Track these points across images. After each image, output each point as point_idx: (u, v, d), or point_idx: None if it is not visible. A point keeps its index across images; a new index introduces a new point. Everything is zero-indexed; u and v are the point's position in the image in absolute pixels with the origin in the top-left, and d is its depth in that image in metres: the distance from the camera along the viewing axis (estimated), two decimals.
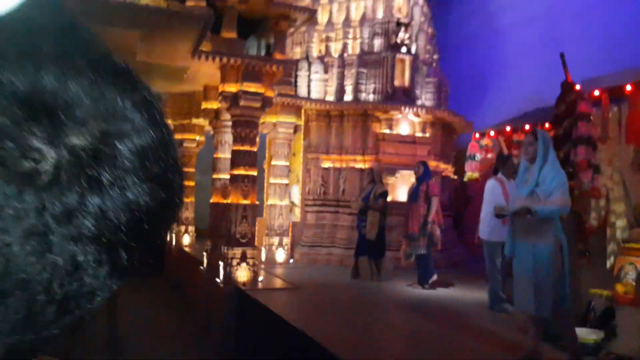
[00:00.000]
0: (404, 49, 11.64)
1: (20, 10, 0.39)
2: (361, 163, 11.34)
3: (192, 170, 13.62)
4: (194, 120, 12.44)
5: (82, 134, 0.37)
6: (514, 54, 15.84)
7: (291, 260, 11.11)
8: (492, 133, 9.61)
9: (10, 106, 0.35)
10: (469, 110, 13.23)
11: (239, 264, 7.91)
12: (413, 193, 8.34)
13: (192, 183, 13.66)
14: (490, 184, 7.08)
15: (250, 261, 8.00)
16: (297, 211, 11.76)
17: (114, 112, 0.39)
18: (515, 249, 4.63)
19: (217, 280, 8.27)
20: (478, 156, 9.59)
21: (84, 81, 0.38)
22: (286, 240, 10.96)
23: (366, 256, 8.77)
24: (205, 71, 8.79)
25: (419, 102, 11.76)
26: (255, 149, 8.31)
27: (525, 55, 15.18)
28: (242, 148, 8.17)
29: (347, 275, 9.09)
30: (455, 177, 12.75)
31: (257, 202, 8.30)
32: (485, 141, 9.55)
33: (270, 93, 8.34)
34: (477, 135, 9.98)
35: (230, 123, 9.48)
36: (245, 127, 8.18)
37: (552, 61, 10.00)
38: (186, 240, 13.46)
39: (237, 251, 7.94)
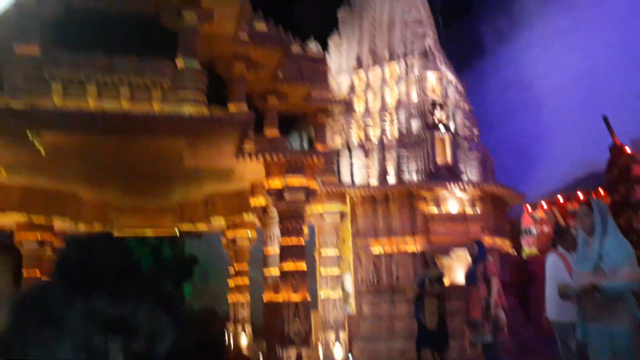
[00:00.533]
0: (442, 128, 11.70)
1: (102, 253, 0.68)
2: (412, 245, 11.07)
3: (245, 267, 13.58)
4: (245, 217, 12.61)
5: (139, 341, 0.62)
6: (556, 120, 15.64)
7: (350, 357, 10.62)
8: (544, 204, 9.26)
9: (102, 325, 0.61)
10: (518, 182, 12.91)
11: None
12: (470, 275, 7.95)
13: (246, 281, 13.54)
14: (551, 259, 6.67)
15: None
16: (352, 301, 11.42)
17: (157, 325, 0.64)
18: (588, 332, 4.23)
19: None
20: (533, 230, 9.19)
21: (143, 309, 0.64)
22: (343, 334, 10.56)
23: (429, 348, 8.25)
24: (251, 169, 9.06)
25: (464, 178, 11.60)
26: (302, 242, 8.28)
27: (569, 120, 14.95)
28: (290, 241, 8.17)
29: None
30: (514, 252, 12.19)
31: (308, 298, 8.13)
32: (539, 214, 9.19)
33: (313, 184, 8.45)
34: (529, 208, 9.63)
35: (277, 217, 9.58)
36: (292, 220, 8.23)
37: (596, 123, 9.80)
38: (243, 340, 13.13)
39: (292, 352, 7.68)
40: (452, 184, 11.06)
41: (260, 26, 9.21)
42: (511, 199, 12.31)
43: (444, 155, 11.61)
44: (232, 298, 14.22)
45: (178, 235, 15.19)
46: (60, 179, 9.42)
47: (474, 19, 21.21)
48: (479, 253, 8.07)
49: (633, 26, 13.32)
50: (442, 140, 11.65)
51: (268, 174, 8.34)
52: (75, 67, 6.95)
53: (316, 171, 8.75)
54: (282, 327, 7.87)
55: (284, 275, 8.07)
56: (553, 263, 6.59)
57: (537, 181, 13.12)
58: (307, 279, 8.18)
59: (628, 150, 6.58)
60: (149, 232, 14.74)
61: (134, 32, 8.12)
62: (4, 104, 6.46)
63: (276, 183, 8.26)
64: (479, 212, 11.31)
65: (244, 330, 13.10)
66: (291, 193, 8.13)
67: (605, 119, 6.81)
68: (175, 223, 14.38)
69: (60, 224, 10.68)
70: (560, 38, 16.13)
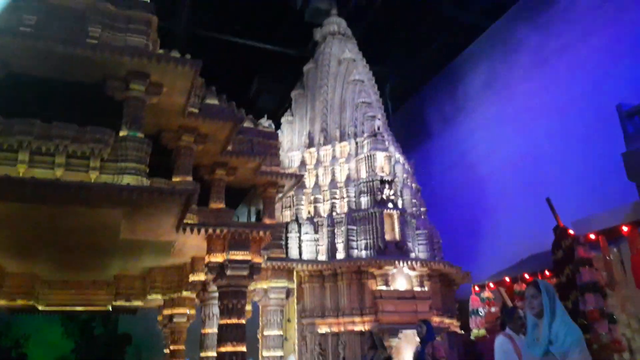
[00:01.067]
0: (390, 205, 11.74)
1: None
2: (360, 325, 10.68)
3: (181, 347, 12.71)
4: (184, 294, 11.94)
5: None
6: (501, 201, 16.06)
7: None
8: (491, 284, 9.23)
9: None
10: (465, 260, 12.94)
11: None
12: (419, 357, 7.63)
13: None
14: (500, 342, 6.46)
15: None
16: None
17: None
18: None
19: None
20: (481, 311, 9.07)
21: None
22: None
23: None
24: (192, 243, 8.63)
25: (412, 255, 11.52)
26: (243, 322, 7.79)
27: (513, 201, 15.37)
28: (229, 321, 7.65)
29: None
30: (462, 332, 11.98)
31: None
32: (486, 294, 9.12)
33: (258, 259, 8.10)
34: (476, 288, 9.56)
35: (217, 295, 9.07)
36: (233, 298, 7.76)
37: (540, 205, 10.15)
38: None
39: None
40: (400, 261, 10.93)
41: (212, 100, 9.16)
42: (458, 278, 12.26)
43: (393, 231, 11.56)
44: None
45: (111, 311, 14.16)
46: None
47: (421, 103, 22.21)
48: (427, 333, 7.82)
49: (568, 115, 14.22)
50: (391, 217, 11.65)
51: (210, 249, 7.95)
52: (6, 133, 6.56)
53: (262, 246, 8.42)
54: None
55: (221, 357, 7.47)
56: (502, 346, 6.38)
57: (483, 260, 13.22)
58: None
59: (571, 232, 6.73)
60: (80, 308, 13.65)
61: (76, 100, 7.87)
62: None
63: (218, 257, 7.86)
64: (427, 291, 11.14)
65: None
66: (233, 268, 7.73)
67: (549, 201, 6.96)
68: (109, 299, 13.44)
69: None
70: (503, 123, 17.00)
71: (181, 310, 12.43)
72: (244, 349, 7.60)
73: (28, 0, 7.29)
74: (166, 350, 13.81)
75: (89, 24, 7.43)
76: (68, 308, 13.56)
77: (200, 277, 9.19)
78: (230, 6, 17.19)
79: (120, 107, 7.52)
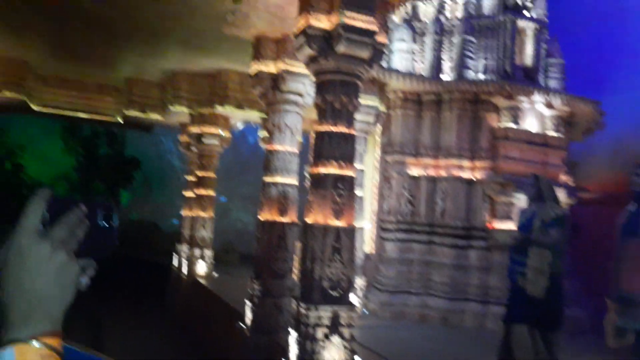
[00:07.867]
0: (526, 13, 8.26)
1: None
2: (468, 171, 7.84)
3: (212, 175, 10.14)
4: (218, 109, 9.08)
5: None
6: None
7: (365, 311, 7.54)
8: None
9: None
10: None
11: (328, 336, 4.33)
12: (630, 223, 4.82)
13: (211, 192, 10.17)
14: None
15: (346, 332, 4.42)
16: (369, 237, 8.23)
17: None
18: None
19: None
20: None
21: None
22: (359, 281, 7.36)
23: (527, 324, 5.19)
24: (267, 5, 5.36)
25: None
26: (353, 132, 4.80)
27: None
28: (334, 129, 4.65)
29: (480, 348, 5.60)
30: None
31: (351, 224, 4.72)
32: None
33: (383, 38, 4.83)
34: None
35: (295, 98, 6.06)
36: (342, 93, 4.67)
37: None
38: (201, 268, 9.94)
39: (325, 313, 4.36)
40: (539, 92, 7.75)
41: None
42: (592, 127, 9.15)
43: (522, 53, 8.23)
44: (188, 213, 11.06)
45: (122, 124, 11.37)
46: None
47: None
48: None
49: None
50: (523, 32, 8.22)
51: (307, 5, 4.64)
52: None
53: (389, 14, 5.12)
54: (309, 269, 4.49)
55: (318, 182, 4.60)
56: None
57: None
58: (353, 195, 4.74)
59: None
60: (83, 114, 10.79)
61: None
62: None
63: (322, 22, 4.60)
64: (562, 138, 8.16)
65: (202, 255, 10.03)
66: (350, 42, 4.48)
67: None
68: (118, 108, 10.63)
69: None
70: None
71: (212, 129, 9.82)
72: (353, 173, 4.70)
73: None
74: (190, 177, 11.32)
75: None
76: (68, 112, 10.76)
77: (269, 67, 6.05)
78: None
79: None
